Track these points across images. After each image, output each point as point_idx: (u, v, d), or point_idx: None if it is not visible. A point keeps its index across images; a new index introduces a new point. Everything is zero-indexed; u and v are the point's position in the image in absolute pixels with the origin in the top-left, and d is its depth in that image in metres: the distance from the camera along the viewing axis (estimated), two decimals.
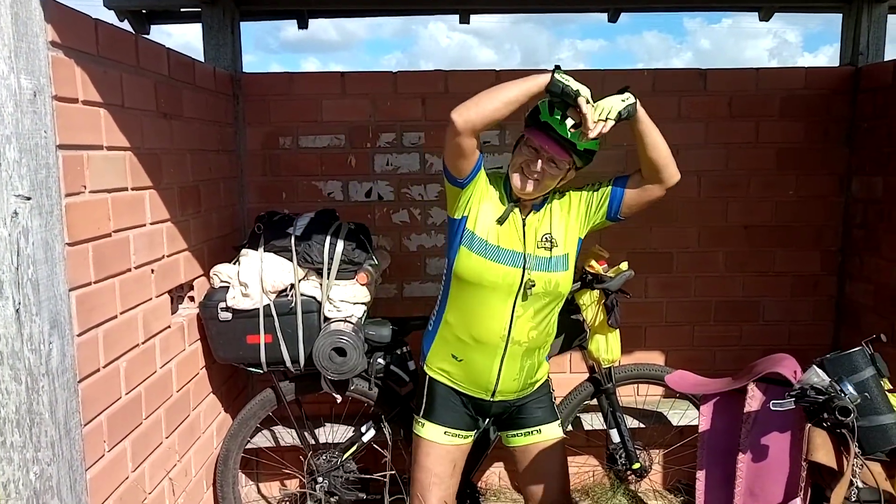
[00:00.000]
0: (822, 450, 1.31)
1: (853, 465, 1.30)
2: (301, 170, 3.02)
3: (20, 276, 1.48)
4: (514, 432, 2.14)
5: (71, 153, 1.66)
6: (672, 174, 1.96)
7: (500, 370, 2.01)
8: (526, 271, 1.94)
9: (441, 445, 2.06)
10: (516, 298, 1.95)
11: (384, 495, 2.16)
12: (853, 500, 1.33)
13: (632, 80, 2.98)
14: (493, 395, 2.05)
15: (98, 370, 1.75)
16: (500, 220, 1.97)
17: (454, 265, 1.98)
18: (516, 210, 1.99)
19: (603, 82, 2.97)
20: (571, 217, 2.02)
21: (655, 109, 3.01)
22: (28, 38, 1.49)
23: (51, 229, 1.56)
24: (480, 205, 1.96)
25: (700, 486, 1.50)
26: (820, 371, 1.35)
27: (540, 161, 1.89)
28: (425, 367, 2.10)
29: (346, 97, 3.01)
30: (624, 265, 2.34)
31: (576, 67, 2.97)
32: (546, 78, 1.80)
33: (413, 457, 2.13)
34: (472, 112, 1.78)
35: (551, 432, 2.13)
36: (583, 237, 2.06)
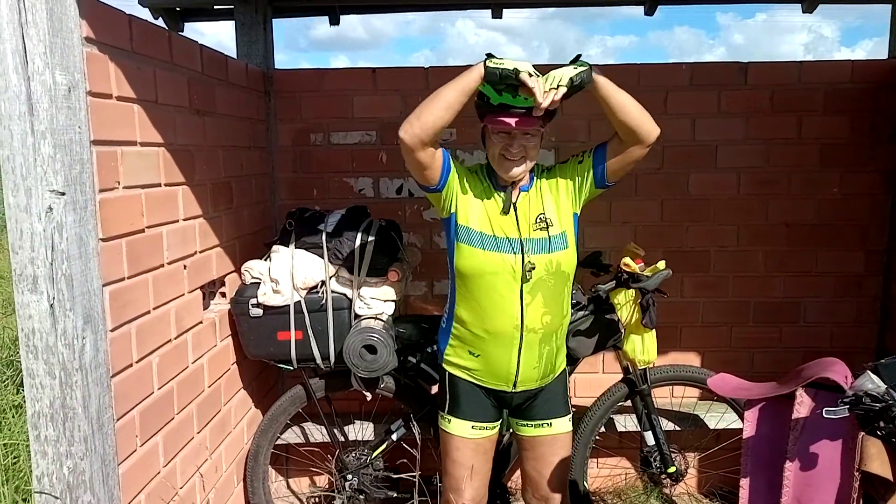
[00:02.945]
0: (876, 460, 1.24)
1: None
2: (332, 166, 3.01)
3: (54, 272, 1.49)
4: (525, 423, 2.11)
5: (105, 149, 1.66)
6: (649, 131, 1.86)
7: (518, 361, 1.99)
8: (525, 256, 1.93)
9: (470, 440, 2.05)
10: (522, 285, 1.94)
11: (413, 494, 2.12)
12: None
13: (669, 74, 2.95)
14: (514, 385, 2.03)
15: (131, 365, 1.76)
16: (505, 211, 1.96)
17: (455, 262, 1.98)
18: (503, 195, 1.99)
19: (639, 77, 2.95)
20: (561, 194, 2.00)
21: (694, 104, 2.98)
22: (63, 33, 1.50)
23: (85, 224, 1.56)
24: (466, 199, 1.96)
25: (744, 493, 1.45)
26: (874, 377, 1.28)
27: (516, 141, 1.88)
28: (444, 365, 2.09)
29: (377, 93, 2.98)
30: (661, 264, 2.28)
31: (607, 62, 2.89)
32: (479, 69, 1.77)
33: (443, 452, 2.11)
34: (417, 127, 1.76)
35: (561, 426, 2.11)
36: (578, 212, 2.03)
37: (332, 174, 3.02)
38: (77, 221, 1.53)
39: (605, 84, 1.80)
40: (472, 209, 1.95)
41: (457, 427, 2.05)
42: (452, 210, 1.97)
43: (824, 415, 1.24)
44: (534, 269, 1.92)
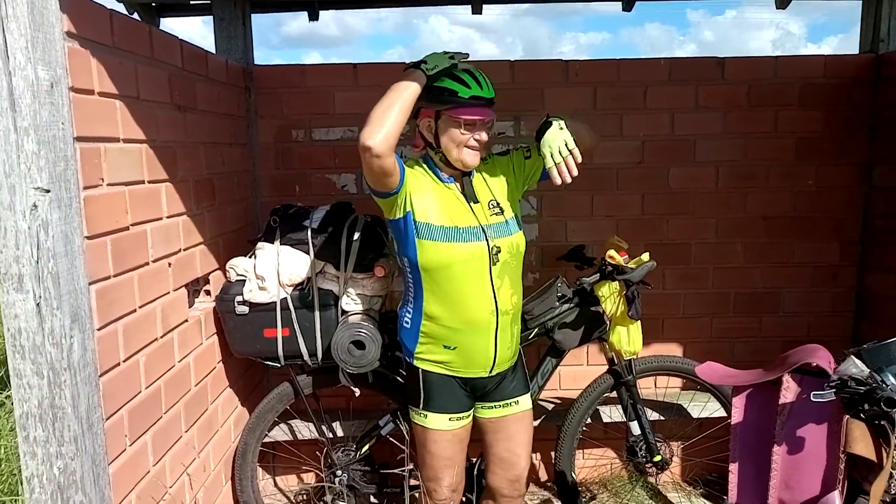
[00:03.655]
0: (861, 442, 1.28)
1: (894, 456, 1.26)
2: (314, 162, 3.00)
3: (40, 270, 1.47)
4: (493, 404, 2.13)
5: (88, 145, 1.64)
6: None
7: (496, 344, 2.03)
8: (489, 240, 1.98)
9: (448, 431, 2.07)
10: (490, 270, 1.98)
11: (404, 488, 2.13)
12: (893, 492, 1.30)
13: (648, 70, 2.99)
14: (491, 370, 2.07)
15: (118, 364, 1.74)
16: (471, 199, 2.02)
17: (418, 260, 1.96)
18: (453, 186, 2.03)
19: (619, 72, 2.99)
20: (506, 182, 2.10)
21: (672, 99, 3.02)
22: (44, 28, 1.47)
23: (70, 222, 1.54)
24: (420, 196, 1.96)
25: (733, 478, 1.48)
26: (858, 361, 1.32)
27: (483, 131, 1.95)
28: (416, 363, 2.07)
29: (359, 89, 2.97)
30: (645, 256, 2.31)
31: (585, 58, 2.90)
32: (420, 75, 1.84)
33: (420, 446, 2.11)
34: (385, 131, 1.75)
35: (527, 403, 2.18)
36: (520, 199, 2.16)
37: (314, 170, 3.01)
38: (62, 219, 1.50)
39: (575, 127, 1.96)
40: (427, 205, 1.95)
41: (434, 421, 2.06)
42: (408, 209, 1.94)
43: (812, 398, 1.28)
44: (499, 251, 1.99)
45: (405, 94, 1.81)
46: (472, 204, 2.02)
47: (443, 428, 2.06)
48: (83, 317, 1.57)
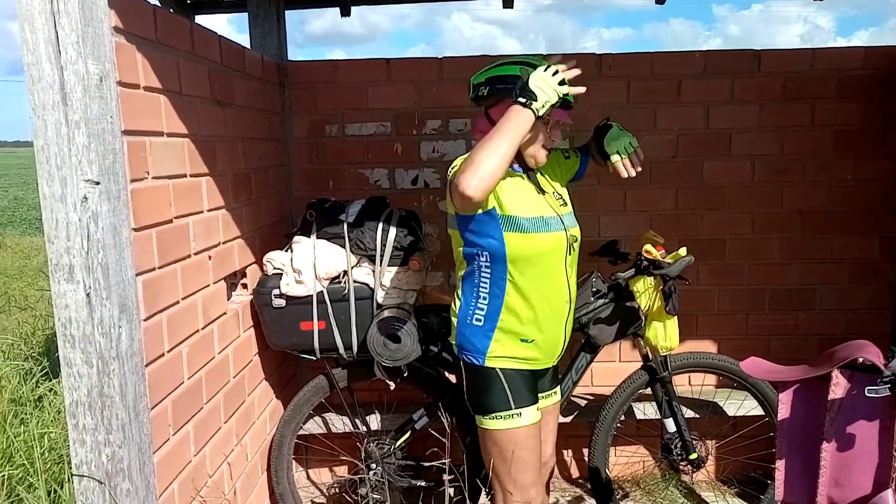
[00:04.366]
0: None
1: None
2: (347, 157, 3.01)
3: (90, 261, 1.49)
4: (540, 394, 2.08)
5: (135, 139, 1.67)
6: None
7: (565, 333, 2.05)
8: (567, 230, 1.99)
9: (537, 423, 1.99)
10: (565, 259, 1.99)
11: (444, 482, 2.13)
12: None
13: (682, 63, 2.96)
14: (556, 359, 2.08)
15: (163, 355, 1.76)
16: (540, 190, 2.02)
17: (506, 253, 1.90)
18: (525, 177, 2.02)
19: (653, 65, 2.96)
20: (558, 177, 2.16)
21: (707, 92, 2.99)
22: (94, 23, 1.50)
23: (118, 214, 1.56)
24: (503, 190, 1.91)
25: (780, 475, 1.46)
26: None
27: (559, 131, 2.00)
28: (489, 363, 1.94)
29: (392, 84, 2.98)
30: (683, 251, 2.29)
31: (618, 52, 2.87)
32: (529, 115, 1.76)
33: (507, 451, 1.94)
34: (486, 181, 1.70)
35: (559, 394, 2.23)
36: None
37: (347, 165, 3.03)
38: (111, 211, 1.53)
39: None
40: (511, 198, 1.91)
41: (529, 416, 1.95)
42: (492, 205, 1.89)
43: (866, 393, 1.25)
44: (576, 241, 2.02)
45: (513, 140, 1.74)
46: (543, 195, 2.02)
47: (535, 420, 1.97)
48: (130, 307, 1.60)
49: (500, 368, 1.95)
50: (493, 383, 1.94)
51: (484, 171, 1.69)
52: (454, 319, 2.01)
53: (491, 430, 1.95)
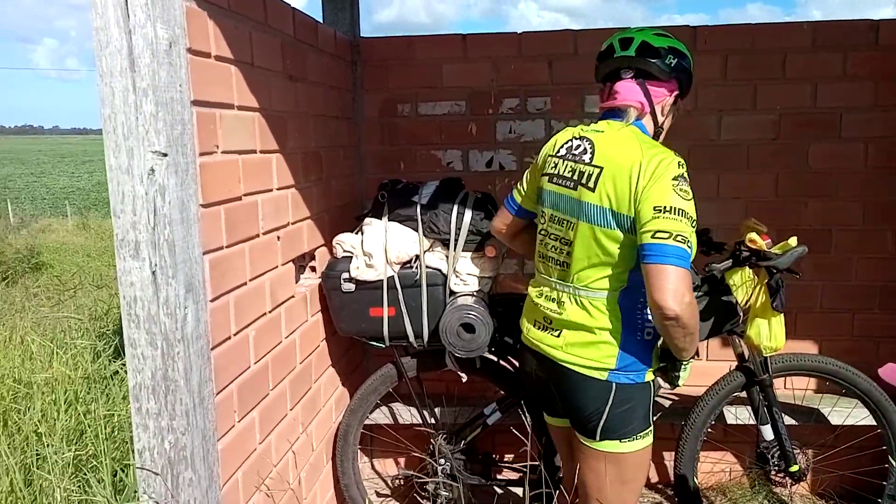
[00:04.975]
0: None
1: None
2: (419, 138, 2.89)
3: (157, 237, 1.42)
4: None
5: (205, 110, 1.58)
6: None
7: None
8: None
9: None
10: None
11: (524, 484, 1.98)
12: None
13: (788, 35, 2.68)
14: None
15: (229, 338, 1.68)
16: None
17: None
18: None
19: (753, 39, 2.70)
20: None
21: (815, 67, 2.70)
22: None
23: (186, 189, 1.48)
24: None
25: None
26: None
27: None
28: (647, 377, 1.74)
29: (468, 61, 2.84)
30: (793, 240, 2.05)
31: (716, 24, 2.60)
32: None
33: (631, 469, 1.77)
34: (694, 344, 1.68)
35: None
36: None
37: (419, 146, 2.90)
38: (179, 185, 1.45)
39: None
40: None
41: (651, 435, 1.79)
42: None
43: None
44: None
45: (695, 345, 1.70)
46: None
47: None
48: (197, 287, 1.52)
49: (652, 381, 1.76)
50: (646, 399, 1.75)
51: (694, 337, 1.66)
52: (604, 334, 1.69)
53: (626, 452, 1.73)
